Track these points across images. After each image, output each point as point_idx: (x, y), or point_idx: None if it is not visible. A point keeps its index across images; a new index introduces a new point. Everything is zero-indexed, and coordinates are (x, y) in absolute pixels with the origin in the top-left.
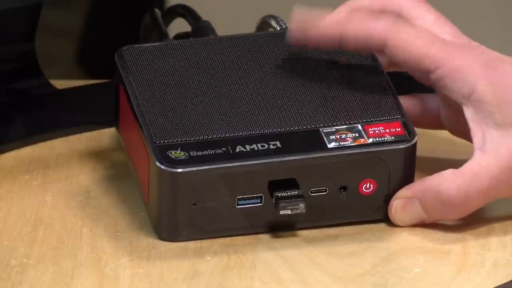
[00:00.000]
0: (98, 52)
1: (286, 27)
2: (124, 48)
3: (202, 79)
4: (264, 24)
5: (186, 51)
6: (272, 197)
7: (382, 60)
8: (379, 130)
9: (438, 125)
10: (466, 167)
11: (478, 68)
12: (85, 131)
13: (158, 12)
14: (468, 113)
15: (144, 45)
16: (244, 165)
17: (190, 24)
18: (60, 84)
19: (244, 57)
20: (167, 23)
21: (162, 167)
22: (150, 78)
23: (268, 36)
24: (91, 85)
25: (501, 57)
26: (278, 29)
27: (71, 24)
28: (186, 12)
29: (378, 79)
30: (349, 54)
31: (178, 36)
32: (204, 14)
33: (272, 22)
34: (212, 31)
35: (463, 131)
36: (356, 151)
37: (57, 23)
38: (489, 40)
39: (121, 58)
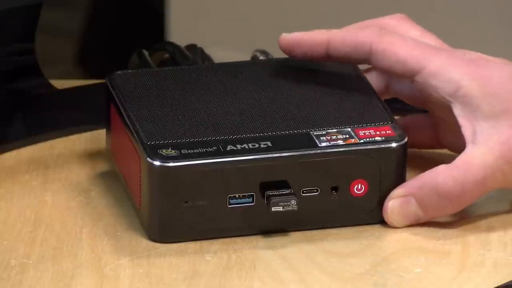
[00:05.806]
0: (98, 52)
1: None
2: (115, 73)
3: (193, 94)
4: (255, 58)
5: (177, 74)
6: (263, 197)
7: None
8: (369, 133)
9: (433, 144)
10: (458, 160)
11: (461, 66)
12: (85, 131)
13: (145, 53)
14: (456, 110)
15: (135, 70)
16: (234, 160)
17: (179, 63)
18: (60, 84)
19: (233, 76)
20: (156, 60)
21: (154, 162)
22: (141, 95)
23: (257, 63)
24: (91, 85)
25: (485, 56)
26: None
27: (71, 24)
28: (175, 50)
29: (365, 89)
30: (336, 67)
31: (164, 61)
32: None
33: (262, 58)
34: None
35: (462, 146)
36: (347, 149)
37: (57, 23)
38: (489, 41)
39: (112, 80)
